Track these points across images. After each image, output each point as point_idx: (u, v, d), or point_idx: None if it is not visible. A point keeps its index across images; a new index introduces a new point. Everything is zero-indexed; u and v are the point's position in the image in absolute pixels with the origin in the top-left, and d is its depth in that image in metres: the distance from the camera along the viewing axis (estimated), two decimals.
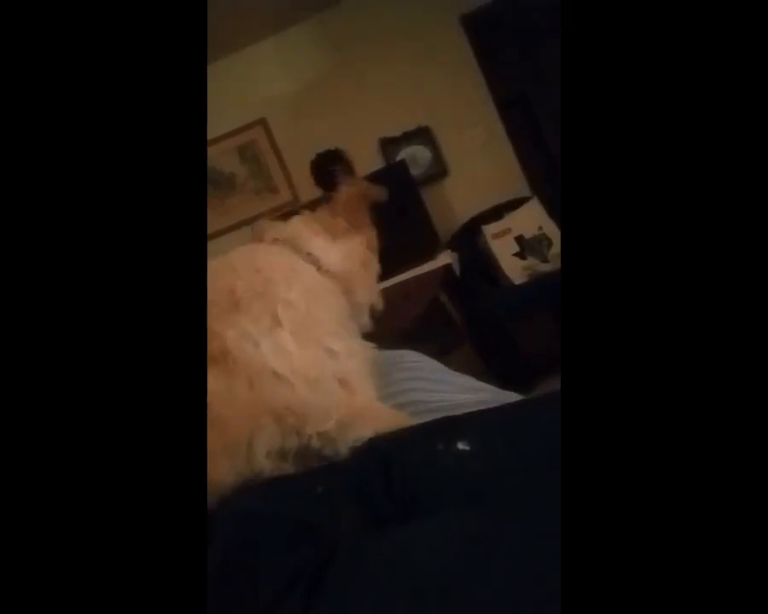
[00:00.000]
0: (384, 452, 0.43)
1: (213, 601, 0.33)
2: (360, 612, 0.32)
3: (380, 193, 0.80)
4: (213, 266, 0.59)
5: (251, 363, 0.47)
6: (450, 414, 0.51)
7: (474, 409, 0.51)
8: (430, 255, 2.66)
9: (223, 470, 0.43)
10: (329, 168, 2.86)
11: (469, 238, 2.87)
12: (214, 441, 0.42)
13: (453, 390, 0.73)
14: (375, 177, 2.81)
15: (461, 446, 0.42)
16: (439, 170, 3.10)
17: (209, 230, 3.15)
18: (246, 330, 0.50)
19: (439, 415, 0.54)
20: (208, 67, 3.03)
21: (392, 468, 0.41)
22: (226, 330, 0.49)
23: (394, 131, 3.06)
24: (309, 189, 3.04)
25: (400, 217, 2.70)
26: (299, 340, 0.52)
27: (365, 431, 0.49)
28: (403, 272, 2.53)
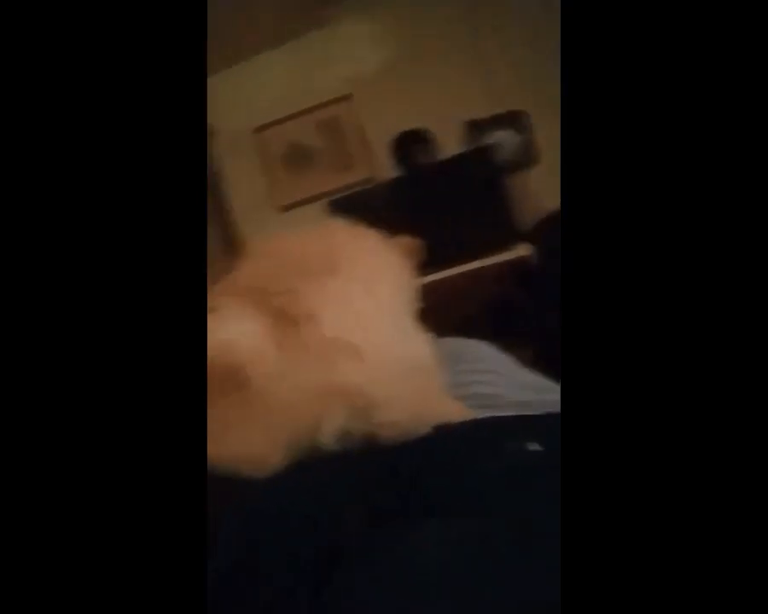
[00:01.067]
0: (391, 450, 0.42)
1: (215, 600, 0.33)
2: (364, 611, 0.31)
3: None
4: (310, 232, 0.59)
5: (329, 332, 0.45)
6: (510, 413, 0.51)
7: (539, 413, 0.49)
8: (506, 245, 2.57)
9: (283, 456, 0.42)
10: (410, 147, 2.81)
11: (551, 231, 2.75)
12: (279, 424, 0.42)
13: (518, 387, 0.69)
14: (458, 160, 2.74)
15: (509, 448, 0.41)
16: (527, 159, 2.97)
17: (285, 202, 3.22)
18: (335, 295, 0.48)
19: (500, 412, 0.54)
20: (299, 39, 3.07)
21: (399, 466, 0.40)
22: (315, 293, 0.47)
23: (483, 114, 2.96)
24: (387, 168, 3.02)
25: (480, 204, 2.62)
26: (385, 313, 0.50)
27: (432, 423, 0.46)
28: (476, 260, 2.47)
